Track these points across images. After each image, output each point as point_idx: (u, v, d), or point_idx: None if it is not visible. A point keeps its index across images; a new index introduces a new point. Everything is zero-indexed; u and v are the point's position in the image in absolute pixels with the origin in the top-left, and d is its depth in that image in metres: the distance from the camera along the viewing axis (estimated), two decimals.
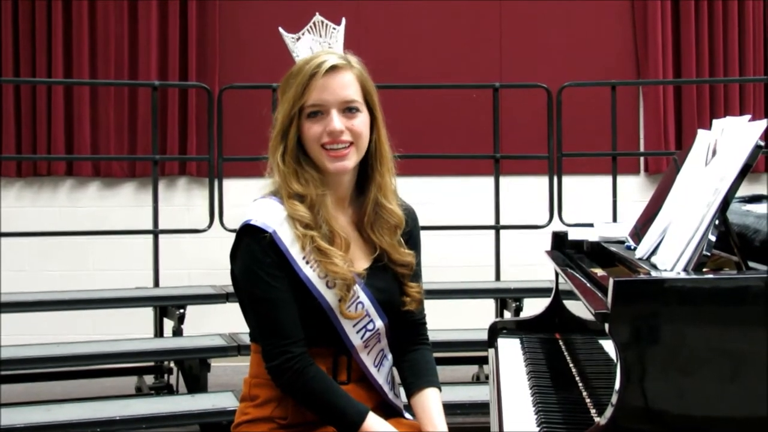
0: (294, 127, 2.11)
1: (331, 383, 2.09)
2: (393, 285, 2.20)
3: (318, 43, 2.18)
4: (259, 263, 2.07)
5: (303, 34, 2.20)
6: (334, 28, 2.20)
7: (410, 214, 2.28)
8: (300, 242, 2.07)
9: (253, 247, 2.07)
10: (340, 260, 2.09)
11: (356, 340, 2.14)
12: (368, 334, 2.15)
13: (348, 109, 2.11)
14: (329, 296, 2.09)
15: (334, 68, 2.10)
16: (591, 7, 6.47)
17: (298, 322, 2.08)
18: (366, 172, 2.19)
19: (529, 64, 6.37)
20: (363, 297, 2.13)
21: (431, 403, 2.18)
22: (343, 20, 2.23)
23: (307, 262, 2.08)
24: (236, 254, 2.13)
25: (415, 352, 2.27)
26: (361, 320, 2.14)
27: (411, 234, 2.26)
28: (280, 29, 2.24)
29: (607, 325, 1.63)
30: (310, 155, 2.13)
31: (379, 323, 2.16)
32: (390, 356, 2.24)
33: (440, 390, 2.23)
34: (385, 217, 2.18)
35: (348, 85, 2.12)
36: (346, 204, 2.21)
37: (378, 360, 2.20)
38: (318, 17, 2.20)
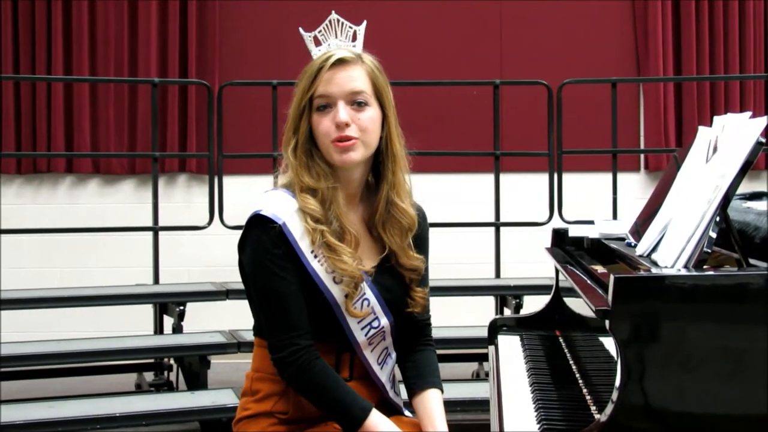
0: (304, 120, 2.11)
1: (336, 378, 2.09)
2: (399, 285, 2.20)
3: (340, 45, 2.18)
4: (268, 254, 2.06)
5: (320, 32, 2.19)
6: (350, 27, 2.20)
7: (421, 215, 2.26)
8: (310, 236, 2.07)
9: (262, 238, 2.07)
10: (349, 257, 2.08)
11: (360, 337, 2.14)
12: (373, 331, 2.15)
13: (356, 103, 2.11)
14: (336, 291, 2.09)
15: (342, 61, 2.11)
16: (591, 4, 6.46)
17: (305, 314, 2.07)
18: (378, 170, 2.19)
19: (530, 61, 6.36)
20: (369, 294, 2.13)
21: (433, 403, 2.18)
22: (365, 22, 2.23)
23: (315, 256, 2.08)
24: (245, 244, 2.12)
25: (419, 353, 2.27)
26: (366, 317, 2.13)
27: (420, 237, 2.25)
28: (300, 30, 2.23)
29: (607, 322, 1.63)
30: (320, 148, 2.12)
31: (384, 321, 2.16)
32: (394, 355, 2.24)
33: (442, 391, 2.23)
34: (397, 217, 2.17)
35: (355, 78, 2.11)
36: (356, 201, 2.20)
37: (382, 358, 2.20)
38: (334, 15, 2.20)
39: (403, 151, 2.19)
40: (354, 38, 2.20)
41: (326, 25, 2.19)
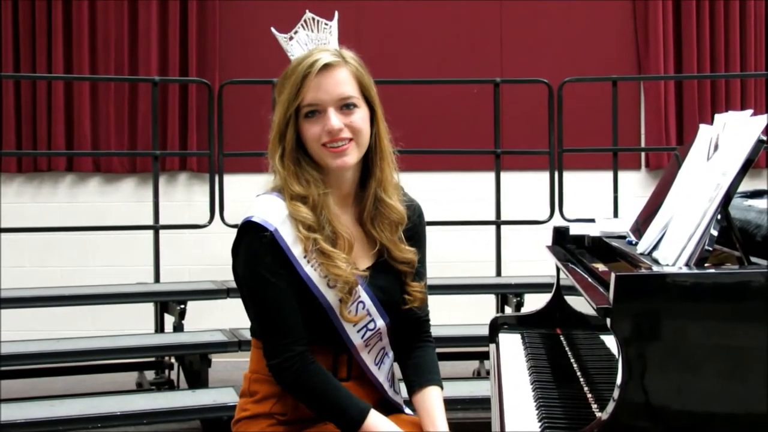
0: (291, 128, 2.08)
1: (332, 381, 2.08)
2: (395, 284, 2.19)
3: (312, 40, 2.16)
4: (260, 261, 2.05)
5: (296, 32, 2.17)
6: (326, 24, 2.18)
7: (415, 211, 2.25)
8: (302, 244, 2.06)
9: (254, 245, 2.06)
10: (343, 262, 2.07)
11: (357, 339, 2.13)
12: (369, 333, 2.14)
13: (345, 106, 2.08)
14: (330, 296, 2.08)
15: (327, 66, 2.07)
16: (592, 3, 6.46)
17: (299, 320, 2.06)
18: (367, 166, 2.17)
19: (530, 59, 6.36)
20: (364, 297, 2.12)
21: (433, 401, 2.17)
22: (336, 14, 2.21)
23: (308, 261, 2.07)
24: (238, 250, 2.12)
25: (418, 350, 2.26)
26: (362, 320, 2.12)
27: (415, 230, 2.24)
28: (273, 29, 2.22)
29: (608, 320, 1.63)
30: (312, 155, 2.10)
31: (380, 323, 2.15)
32: (391, 354, 2.23)
33: (442, 388, 2.22)
34: (385, 213, 2.15)
35: (343, 82, 2.09)
36: (349, 202, 2.18)
37: (379, 358, 2.19)
38: (308, 14, 2.18)
39: (390, 146, 2.18)
40: (328, 33, 2.18)
41: (302, 24, 2.17)
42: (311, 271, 2.07)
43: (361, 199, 2.19)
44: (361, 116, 2.10)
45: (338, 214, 2.13)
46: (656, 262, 1.93)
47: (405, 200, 2.22)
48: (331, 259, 2.06)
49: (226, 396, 4.14)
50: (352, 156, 2.10)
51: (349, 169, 2.12)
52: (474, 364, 5.15)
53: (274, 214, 2.07)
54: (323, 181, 2.10)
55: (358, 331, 2.13)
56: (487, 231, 5.53)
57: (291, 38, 2.17)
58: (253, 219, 2.07)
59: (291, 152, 2.09)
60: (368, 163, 2.16)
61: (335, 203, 2.13)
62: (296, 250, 2.06)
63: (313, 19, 2.17)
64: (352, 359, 2.16)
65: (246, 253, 2.08)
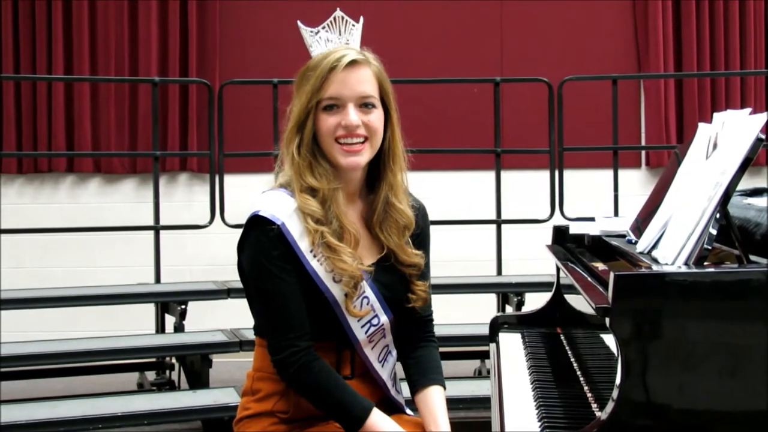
0: (311, 119, 2.11)
1: (337, 378, 2.09)
2: (399, 282, 2.20)
3: (335, 39, 2.17)
4: (267, 255, 2.06)
5: (323, 28, 2.19)
6: (353, 25, 2.19)
7: (421, 213, 2.27)
8: (310, 237, 2.07)
9: (261, 239, 2.07)
10: (349, 257, 2.08)
11: (360, 335, 2.13)
12: (373, 329, 2.15)
13: (364, 105, 2.11)
14: (335, 290, 2.09)
15: (353, 63, 2.10)
16: (592, 2, 6.46)
17: (305, 315, 2.07)
18: (377, 168, 2.18)
19: (530, 58, 6.36)
20: (369, 292, 2.13)
21: (435, 401, 2.18)
22: (362, 18, 2.23)
23: (315, 256, 2.07)
24: (243, 245, 2.12)
25: (421, 349, 2.27)
26: (366, 315, 2.13)
27: (420, 233, 2.25)
28: (299, 22, 2.22)
29: (608, 320, 1.63)
30: (323, 148, 2.12)
31: (384, 319, 2.16)
32: (394, 352, 2.24)
33: (445, 388, 2.23)
34: (394, 217, 2.17)
35: (366, 80, 2.12)
36: (356, 199, 2.20)
37: (382, 355, 2.19)
38: (338, 12, 2.19)
39: (404, 152, 2.19)
40: (352, 36, 2.20)
41: (330, 22, 2.19)
42: (317, 265, 2.08)
43: (368, 200, 2.21)
44: (377, 116, 2.13)
45: (345, 211, 2.14)
46: (655, 261, 1.93)
47: (410, 202, 2.23)
48: (337, 253, 2.07)
49: (227, 396, 4.14)
50: (365, 156, 2.12)
51: (359, 168, 2.14)
52: (475, 363, 5.15)
53: (282, 208, 2.08)
54: (335, 176, 2.12)
55: (362, 327, 2.13)
56: (487, 230, 5.53)
57: (317, 33, 2.18)
58: (261, 213, 2.07)
59: (308, 143, 2.11)
60: (379, 165, 2.18)
61: (342, 200, 2.14)
62: (303, 244, 2.07)
63: (342, 17, 2.18)
64: (356, 356, 2.16)
65: (253, 247, 2.09)
